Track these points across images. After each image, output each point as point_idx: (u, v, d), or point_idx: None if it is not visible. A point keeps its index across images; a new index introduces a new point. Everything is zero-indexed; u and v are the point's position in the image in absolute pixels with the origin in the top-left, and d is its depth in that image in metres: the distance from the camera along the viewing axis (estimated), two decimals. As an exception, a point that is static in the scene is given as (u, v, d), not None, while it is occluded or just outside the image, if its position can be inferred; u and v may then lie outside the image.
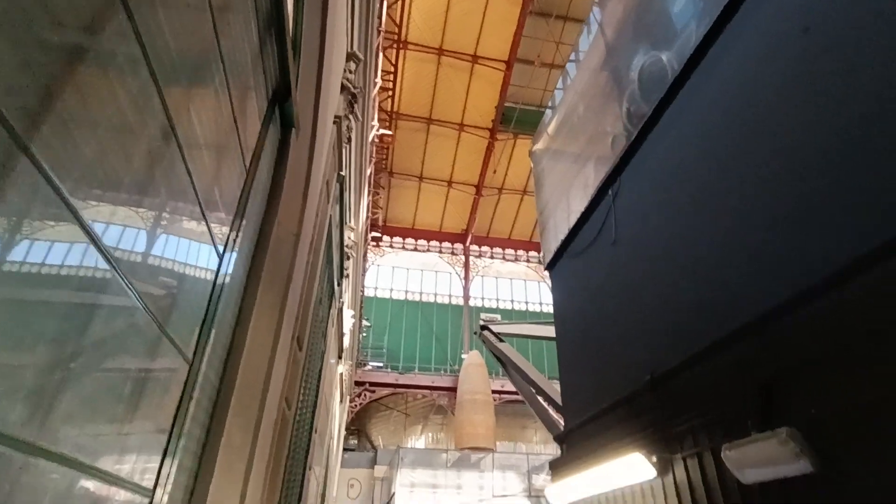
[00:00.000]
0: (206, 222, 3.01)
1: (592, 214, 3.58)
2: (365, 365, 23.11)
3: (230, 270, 3.53)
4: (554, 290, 4.30)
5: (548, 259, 4.26)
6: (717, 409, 1.97)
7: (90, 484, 1.79)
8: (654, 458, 2.34)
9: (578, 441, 3.32)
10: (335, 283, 9.22)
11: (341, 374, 14.22)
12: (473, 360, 22.24)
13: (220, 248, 3.28)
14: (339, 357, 13.03)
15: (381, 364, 23.53)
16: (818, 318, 1.71)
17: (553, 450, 22.91)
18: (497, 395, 22.50)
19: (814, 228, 1.86)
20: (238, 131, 3.24)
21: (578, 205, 3.75)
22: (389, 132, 19.44)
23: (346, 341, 14.10)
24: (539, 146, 4.79)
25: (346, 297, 12.68)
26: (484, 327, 10.78)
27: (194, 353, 2.89)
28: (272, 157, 4.44)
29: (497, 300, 26.70)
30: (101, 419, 1.87)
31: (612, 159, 3.20)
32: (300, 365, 5.53)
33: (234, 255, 3.44)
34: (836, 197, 1.82)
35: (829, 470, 1.59)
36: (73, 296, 1.42)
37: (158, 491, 2.53)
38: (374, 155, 15.46)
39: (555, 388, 7.64)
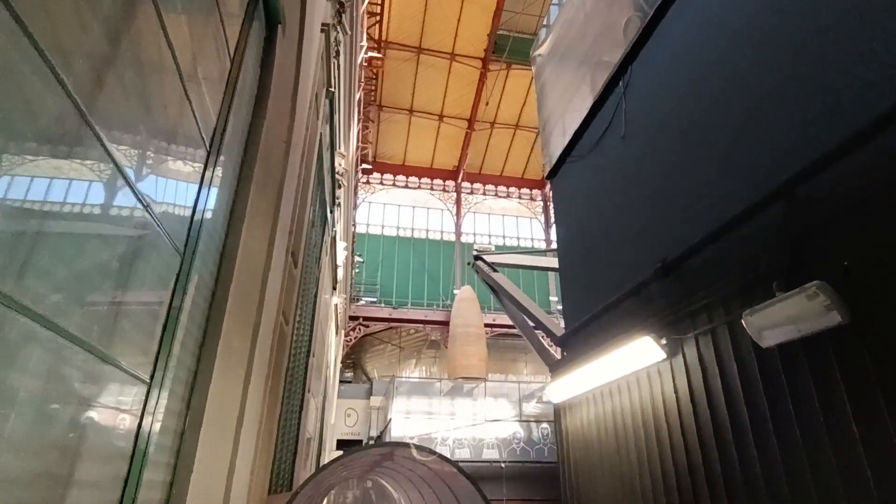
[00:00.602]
0: (192, 108, 2.79)
1: (599, 113, 3.41)
2: (358, 300, 23.34)
3: (219, 172, 3.34)
4: (555, 197, 4.19)
5: (549, 167, 4.11)
6: (736, 281, 1.91)
7: (89, 363, 1.71)
8: (664, 341, 2.32)
9: (580, 341, 3.30)
10: (327, 210, 9.04)
11: (336, 306, 14.32)
12: (466, 294, 22.51)
13: (207, 141, 3.07)
14: (334, 288, 13.05)
15: (374, 299, 23.77)
16: (850, 173, 1.62)
17: (544, 380, 23.72)
18: (489, 329, 22.98)
19: (840, 88, 1.74)
20: (221, 18, 2.96)
21: (583, 106, 3.57)
22: (379, 55, 18.60)
23: (340, 274, 14.09)
24: (542, 50, 4.51)
25: (339, 228, 12.53)
26: (477, 257, 10.75)
27: (185, 245, 2.76)
28: (257, 55, 4.14)
29: (489, 236, 26.71)
30: (96, 299, 1.78)
31: (624, 47, 3.00)
32: (296, 282, 5.46)
33: (223, 152, 3.26)
34: (858, 59, 1.69)
35: (860, 320, 1.55)
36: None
37: (156, 382, 2.47)
38: (362, 80, 14.84)
39: (547, 316, 7.71)
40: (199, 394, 2.91)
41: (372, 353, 29.42)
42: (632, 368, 2.61)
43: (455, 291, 23.95)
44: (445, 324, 22.83)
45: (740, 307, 1.86)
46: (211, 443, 2.99)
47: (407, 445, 4.66)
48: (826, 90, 1.79)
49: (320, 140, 6.93)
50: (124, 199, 1.86)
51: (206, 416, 2.94)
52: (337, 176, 9.62)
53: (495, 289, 10.48)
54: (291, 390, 6.15)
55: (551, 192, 4.23)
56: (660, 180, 2.63)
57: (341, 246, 13.67)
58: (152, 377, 2.37)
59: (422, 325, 23.54)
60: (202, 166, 2.93)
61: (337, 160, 9.55)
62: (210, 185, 2.99)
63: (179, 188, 2.62)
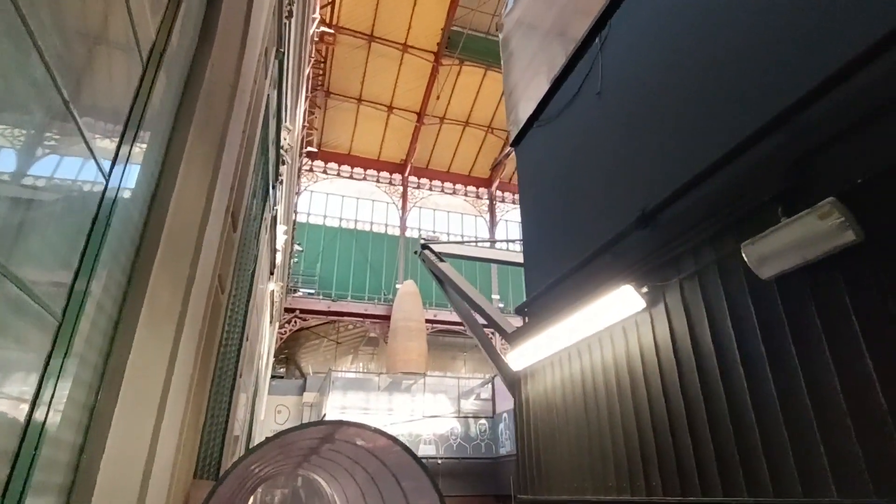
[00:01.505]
0: (129, 9, 2.47)
1: (569, 77, 3.32)
2: (296, 291, 22.49)
3: (156, 100, 2.98)
4: (520, 166, 4.08)
5: (514, 134, 3.99)
6: (729, 216, 1.82)
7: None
8: (645, 289, 2.22)
9: (545, 306, 3.18)
10: (269, 184, 8.54)
11: (272, 293, 13.66)
12: (409, 288, 22.26)
13: (143, 56, 2.72)
14: (271, 273, 12.43)
15: (312, 291, 23.00)
16: (854, 93, 1.58)
17: (483, 378, 23.84)
18: (429, 325, 22.81)
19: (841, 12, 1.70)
20: None
21: (553, 70, 3.47)
22: (331, 31, 17.99)
23: (279, 259, 13.46)
24: (512, 16, 4.38)
25: (280, 209, 11.95)
26: (425, 246, 10.57)
27: (110, 169, 2.40)
28: (203, -16, 3.78)
29: (434, 232, 26.58)
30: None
31: (602, 4, 2.93)
32: (234, 248, 5.04)
33: (161, 74, 2.90)
34: None
35: (873, 238, 1.49)
36: None
37: (69, 321, 2.10)
38: (312, 55, 14.27)
39: (493, 308, 7.63)
40: (120, 346, 2.54)
41: (307, 349, 28.47)
42: (606, 323, 2.51)
43: (397, 286, 23.62)
44: (386, 318, 22.45)
45: (734, 243, 1.78)
46: (132, 403, 2.61)
47: (349, 423, 4.39)
48: (825, 12, 1.75)
49: (267, 104, 6.50)
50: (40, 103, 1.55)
51: (127, 371, 2.56)
52: (281, 151, 9.13)
53: (441, 279, 10.33)
54: (223, 370, 5.68)
55: (516, 161, 4.13)
56: (636, 133, 2.55)
57: (281, 230, 13.05)
58: (64, 313, 2.00)
59: (361, 320, 23.02)
60: (137, 83, 2.56)
61: (283, 134, 9.06)
62: (145, 107, 2.63)
63: (106, 97, 2.25)
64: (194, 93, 3.46)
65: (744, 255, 1.60)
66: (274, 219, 10.22)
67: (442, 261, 10.41)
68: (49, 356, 1.88)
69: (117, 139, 2.26)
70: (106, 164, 2.24)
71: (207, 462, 5.13)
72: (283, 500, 19.09)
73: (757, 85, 1.89)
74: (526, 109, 3.76)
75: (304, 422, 21.17)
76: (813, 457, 1.54)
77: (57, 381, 1.95)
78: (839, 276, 1.52)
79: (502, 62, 4.07)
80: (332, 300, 22.78)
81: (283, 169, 9.98)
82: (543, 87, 3.51)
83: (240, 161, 4.58)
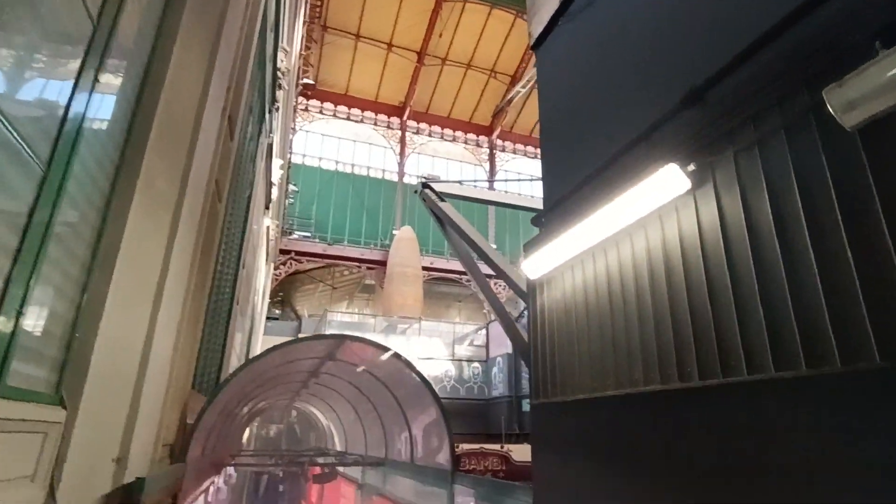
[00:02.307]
0: None
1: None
2: (291, 234, 22.28)
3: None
4: (540, 70, 3.82)
5: (536, 35, 3.71)
6: (807, 68, 1.62)
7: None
8: (692, 167, 2.05)
9: (566, 212, 3.02)
10: (266, 108, 8.18)
11: (268, 229, 13.46)
12: (406, 234, 22.10)
13: None
14: (267, 207, 12.18)
15: (308, 234, 22.79)
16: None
17: (477, 325, 24.09)
18: (426, 272, 22.81)
19: None
20: None
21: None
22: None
23: (274, 194, 13.19)
24: None
25: (276, 140, 11.58)
26: (425, 185, 10.32)
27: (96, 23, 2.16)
28: None
29: (434, 174, 26.17)
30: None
31: None
32: (231, 159, 4.81)
33: None
34: None
35: None
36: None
37: (55, 173, 1.92)
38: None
39: (496, 252, 7.48)
40: (113, 224, 2.37)
41: (303, 293, 28.56)
42: (639, 213, 2.35)
43: (394, 232, 23.43)
44: (382, 263, 22.40)
45: (808, 99, 1.60)
46: (127, 287, 2.47)
47: (352, 337, 4.30)
48: None
49: (264, 12, 6.09)
50: None
51: (121, 252, 2.40)
52: (278, 73, 8.70)
53: (442, 219, 10.15)
54: (220, 289, 5.56)
55: (536, 67, 3.88)
56: (683, 5, 2.32)
57: (277, 163, 12.72)
58: (49, 164, 1.81)
59: (357, 265, 22.97)
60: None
61: (280, 55, 8.61)
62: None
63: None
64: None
65: (827, 100, 1.41)
66: (270, 147, 9.88)
67: (443, 200, 10.21)
68: (34, 204, 1.71)
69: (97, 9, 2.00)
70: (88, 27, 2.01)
71: (205, 378, 5.09)
72: (278, 434, 19.61)
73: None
74: (550, 6, 3.47)
75: (298, 362, 21.44)
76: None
77: (43, 240, 1.79)
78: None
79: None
80: (329, 244, 22.62)
81: (279, 95, 9.57)
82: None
83: (237, 61, 4.29)
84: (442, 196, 10.59)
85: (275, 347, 4.35)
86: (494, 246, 26.09)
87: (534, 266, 3.17)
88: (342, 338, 4.66)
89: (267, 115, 8.47)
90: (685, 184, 2.05)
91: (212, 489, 9.01)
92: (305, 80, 20.42)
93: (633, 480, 2.24)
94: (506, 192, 25.69)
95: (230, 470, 12.74)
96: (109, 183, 2.40)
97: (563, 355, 2.91)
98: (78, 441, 2.12)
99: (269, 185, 11.85)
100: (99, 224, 2.34)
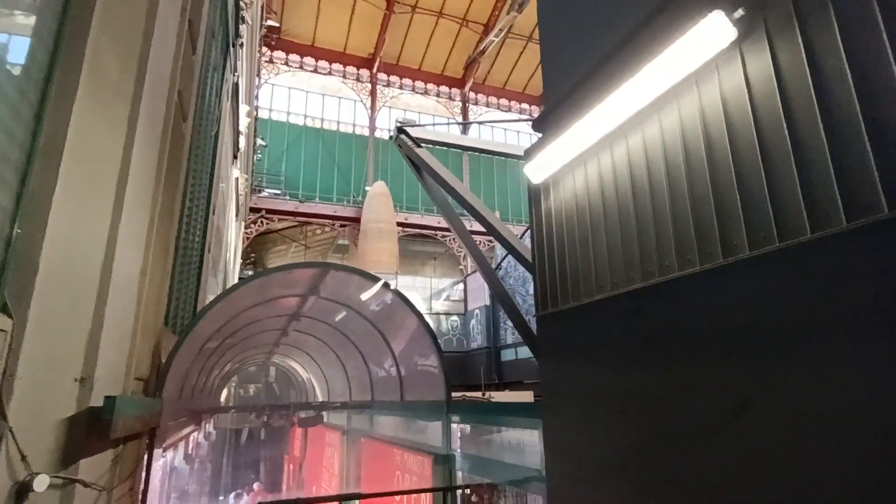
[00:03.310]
0: None
1: None
2: (261, 191, 21.50)
3: None
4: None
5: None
6: None
7: None
8: (738, 13, 1.81)
9: (574, 103, 2.75)
10: (230, 40, 7.57)
11: (237, 182, 12.85)
12: (379, 189, 21.61)
13: None
14: (235, 157, 11.56)
15: (278, 191, 22.04)
16: None
17: (453, 280, 24.07)
18: (400, 228, 22.47)
19: None
20: None
21: None
22: None
23: (242, 144, 12.53)
24: None
25: (242, 84, 10.90)
26: (401, 130, 9.89)
27: None
28: None
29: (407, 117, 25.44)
30: None
31: None
32: (194, 73, 4.36)
33: None
34: None
35: None
36: None
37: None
38: None
39: (477, 199, 7.21)
40: (57, 106, 2.01)
41: (275, 253, 27.92)
42: (670, 81, 2.11)
43: (367, 188, 22.87)
44: (356, 220, 21.93)
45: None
46: (79, 185, 2.13)
47: (337, 266, 4.03)
48: None
49: (222, -80, 5.50)
50: None
51: (68, 146, 2.06)
52: (242, 3, 8.04)
53: (419, 165, 9.77)
54: (191, 225, 5.17)
55: None
56: None
57: (244, 109, 12.03)
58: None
59: (330, 222, 22.42)
60: None
61: (241, -18, 7.94)
62: None
63: None
64: None
65: None
66: (235, 88, 9.25)
67: (419, 146, 9.84)
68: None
69: None
70: None
71: (178, 320, 4.77)
72: (256, 394, 19.43)
73: None
74: None
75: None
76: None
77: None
78: None
79: None
80: (300, 201, 21.95)
81: (242, 30, 8.90)
82: None
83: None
84: (418, 141, 10.21)
85: (254, 276, 4.05)
86: (470, 201, 25.84)
87: (537, 169, 2.94)
88: (327, 266, 4.37)
89: (231, 50, 7.85)
90: (729, 34, 1.82)
91: (191, 442, 8.82)
92: (270, 23, 19.25)
93: (665, 375, 2.10)
94: (488, 134, 25.27)
95: (209, 427, 12.54)
96: (48, 54, 2.02)
97: (574, 258, 2.72)
98: (30, 354, 1.83)
99: (237, 132, 11.22)
100: (38, 101, 1.98)
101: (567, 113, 2.73)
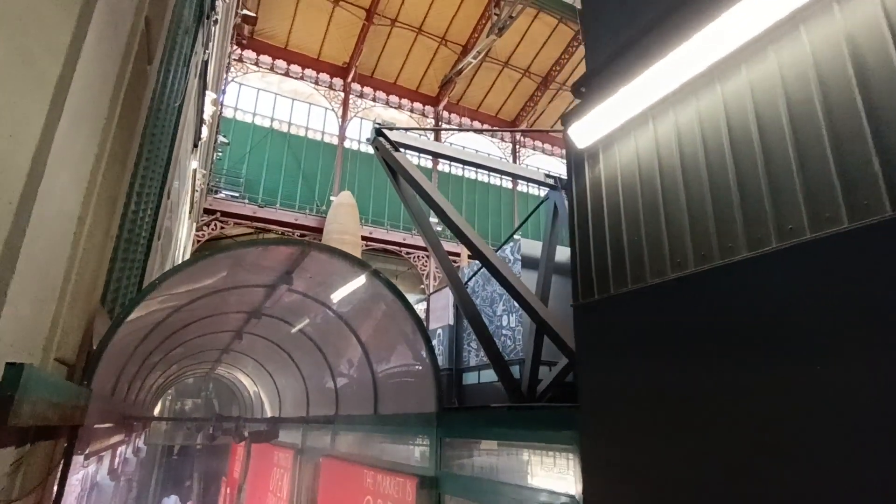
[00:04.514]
0: None
1: None
2: (217, 192, 20.36)
3: None
4: None
5: None
6: None
7: None
8: None
9: (628, 59, 2.34)
10: (204, 8, 6.92)
11: (195, 173, 11.93)
12: (345, 199, 20.89)
13: None
14: (195, 146, 10.71)
15: (236, 194, 20.94)
16: None
17: (417, 297, 23.37)
18: (364, 243, 21.73)
19: None
20: None
21: None
22: None
23: (204, 133, 11.68)
24: None
25: (211, 68, 10.17)
26: (379, 132, 9.42)
27: None
28: None
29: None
30: None
31: None
32: (166, 11, 3.74)
33: None
34: None
35: None
36: None
37: None
38: None
39: (453, 210, 6.81)
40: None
41: (226, 260, 26.44)
42: (766, 23, 1.71)
43: (332, 198, 22.07)
44: (318, 230, 21.04)
45: None
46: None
47: (317, 245, 3.44)
48: None
49: None
50: None
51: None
52: (221, -28, 7.43)
53: (396, 170, 9.28)
54: (143, 196, 4.44)
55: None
56: None
57: (210, 97, 11.23)
58: None
59: (290, 230, 21.42)
60: None
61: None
62: None
63: None
64: None
65: None
66: (205, 68, 8.54)
67: (397, 150, 9.40)
68: None
69: None
70: None
71: (117, 302, 4.00)
72: (194, 409, 17.91)
73: None
74: None
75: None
76: None
77: None
78: None
79: None
80: (259, 205, 20.92)
81: (218, 6, 8.27)
82: None
83: None
84: (396, 145, 9.77)
85: (222, 249, 3.39)
86: (435, 219, 25.43)
87: (583, 132, 2.50)
88: (305, 245, 3.74)
89: (205, 21, 7.20)
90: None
91: (119, 456, 7.68)
92: (245, 12, 18.51)
93: (773, 372, 1.65)
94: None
95: (140, 442, 11.24)
96: None
97: (638, 230, 2.27)
98: None
99: (200, 118, 10.41)
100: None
101: (622, 68, 2.33)
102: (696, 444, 1.84)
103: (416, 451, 4.04)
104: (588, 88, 2.65)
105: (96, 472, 6.10)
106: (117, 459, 8.04)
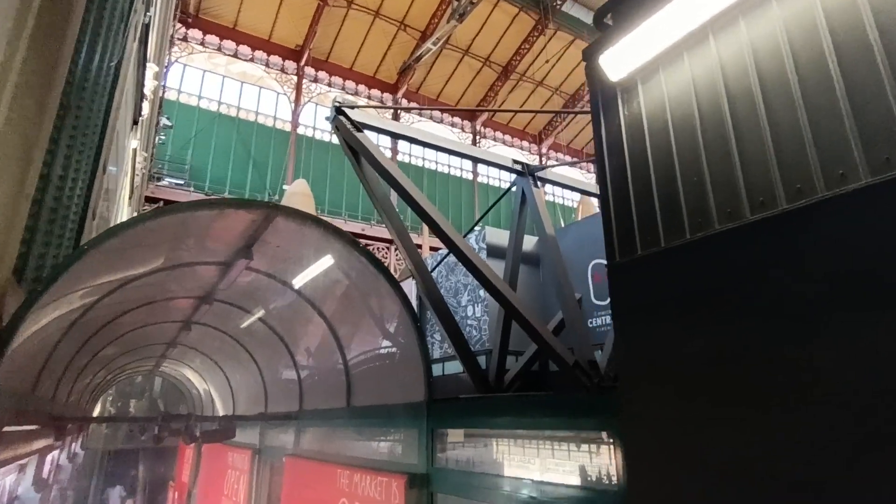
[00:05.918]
0: None
1: None
2: (160, 179, 19.04)
3: None
4: None
5: None
6: None
7: None
8: None
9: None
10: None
11: (134, 153, 10.92)
12: (299, 188, 19.95)
13: None
14: (135, 122, 9.77)
15: (181, 182, 19.65)
16: None
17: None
18: (320, 232, 20.90)
19: None
20: None
21: None
22: None
23: (145, 110, 10.70)
24: None
25: (152, 40, 9.27)
26: (339, 111, 8.84)
27: None
28: None
29: (330, 133, 24.05)
30: None
31: None
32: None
33: None
34: None
35: None
36: None
37: None
38: None
39: (420, 194, 6.40)
40: None
41: (171, 253, 24.91)
42: None
43: (285, 187, 21.09)
44: (271, 220, 20.05)
45: None
46: None
47: (286, 210, 2.95)
48: None
49: None
50: None
51: None
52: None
53: (359, 151, 8.71)
54: (71, 161, 3.78)
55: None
56: None
57: (152, 70, 10.28)
58: None
59: (241, 220, 20.31)
60: None
61: None
62: None
63: None
64: None
65: None
66: (146, 33, 7.69)
67: (360, 131, 8.85)
68: None
69: None
70: None
71: (39, 269, 3.34)
72: (138, 409, 16.68)
73: None
74: None
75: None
76: None
77: None
78: None
79: None
80: (206, 194, 19.72)
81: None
82: None
83: None
84: (359, 125, 9.21)
85: (167, 210, 2.82)
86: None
87: (616, 62, 2.13)
88: (272, 208, 3.21)
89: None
90: None
91: (49, 463, 6.77)
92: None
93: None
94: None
95: (76, 448, 10.21)
96: None
97: (695, 173, 1.92)
98: None
99: (140, 92, 9.47)
100: None
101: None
102: (783, 424, 1.52)
103: (401, 447, 3.61)
104: (616, 13, 2.29)
105: (16, 482, 5.29)
106: (47, 467, 7.15)
